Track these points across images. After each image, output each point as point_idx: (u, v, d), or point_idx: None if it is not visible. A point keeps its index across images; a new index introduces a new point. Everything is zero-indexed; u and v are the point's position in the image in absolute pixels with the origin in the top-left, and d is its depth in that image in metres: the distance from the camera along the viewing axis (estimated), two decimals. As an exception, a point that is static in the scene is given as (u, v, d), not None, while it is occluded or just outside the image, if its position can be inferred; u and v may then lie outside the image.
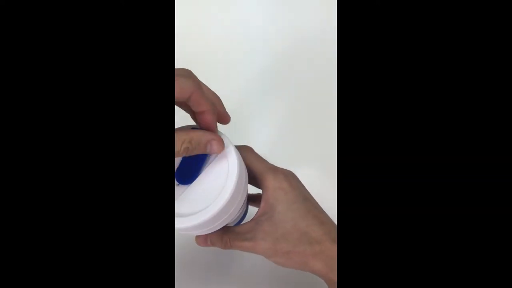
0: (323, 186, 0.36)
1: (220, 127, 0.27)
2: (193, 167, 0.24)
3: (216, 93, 0.45)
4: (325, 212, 0.27)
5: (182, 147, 0.23)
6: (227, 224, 0.26)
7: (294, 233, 0.23)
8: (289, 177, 0.26)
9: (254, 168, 0.27)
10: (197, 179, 0.24)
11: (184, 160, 0.25)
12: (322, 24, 0.46)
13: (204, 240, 0.27)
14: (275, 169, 0.26)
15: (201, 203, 0.22)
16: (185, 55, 0.42)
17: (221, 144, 0.24)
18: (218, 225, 0.24)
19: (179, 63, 0.38)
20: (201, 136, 0.23)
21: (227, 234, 0.26)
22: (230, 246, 0.26)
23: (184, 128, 0.26)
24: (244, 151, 0.28)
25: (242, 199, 0.25)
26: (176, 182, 0.24)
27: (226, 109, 0.29)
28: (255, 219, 0.26)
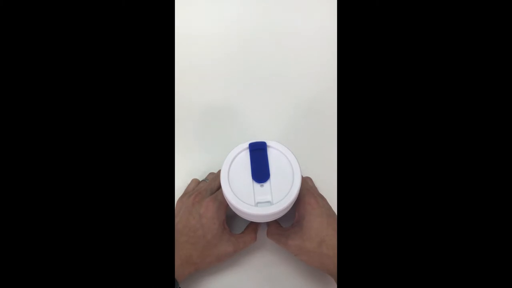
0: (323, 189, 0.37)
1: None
2: (264, 169, 0.31)
3: (216, 93, 0.46)
4: None
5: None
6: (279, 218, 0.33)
7: (315, 238, 0.31)
8: (318, 198, 0.33)
9: None
10: (270, 179, 0.31)
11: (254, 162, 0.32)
12: (323, 24, 0.47)
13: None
14: (308, 190, 0.34)
15: (277, 196, 0.30)
16: (183, 56, 0.43)
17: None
18: (282, 213, 0.31)
19: (178, 63, 0.39)
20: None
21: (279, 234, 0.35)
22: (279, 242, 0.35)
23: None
24: None
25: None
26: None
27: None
28: (292, 225, 0.34)
